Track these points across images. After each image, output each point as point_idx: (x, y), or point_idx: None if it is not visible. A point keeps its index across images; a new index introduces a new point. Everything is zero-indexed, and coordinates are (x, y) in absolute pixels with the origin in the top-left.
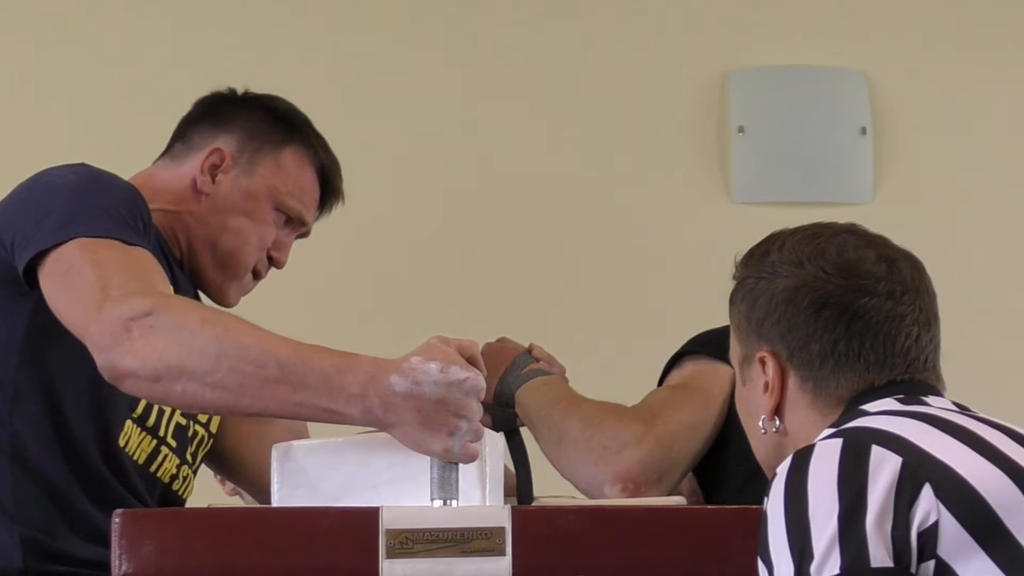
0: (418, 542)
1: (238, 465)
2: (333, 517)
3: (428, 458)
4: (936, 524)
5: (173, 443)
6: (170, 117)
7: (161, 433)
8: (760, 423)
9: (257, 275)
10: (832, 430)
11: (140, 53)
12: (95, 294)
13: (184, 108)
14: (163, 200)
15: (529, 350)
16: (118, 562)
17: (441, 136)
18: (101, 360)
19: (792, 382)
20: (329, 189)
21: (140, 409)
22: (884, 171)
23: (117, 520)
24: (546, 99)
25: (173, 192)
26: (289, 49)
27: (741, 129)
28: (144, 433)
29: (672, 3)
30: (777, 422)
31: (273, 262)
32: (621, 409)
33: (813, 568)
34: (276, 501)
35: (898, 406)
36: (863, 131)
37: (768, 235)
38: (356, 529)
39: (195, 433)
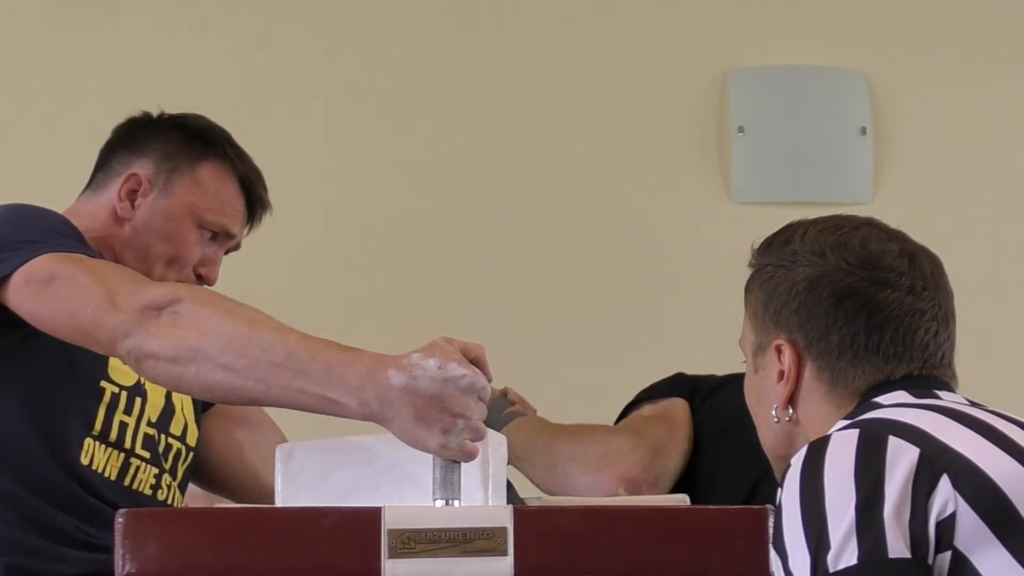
0: (420, 542)
1: (231, 477)
2: (335, 517)
3: (430, 458)
4: (953, 515)
5: (145, 454)
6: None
7: (128, 446)
8: (773, 412)
9: None
10: (847, 421)
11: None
12: (100, 293)
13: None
14: (88, 228)
15: (504, 393)
16: (121, 562)
17: (440, 136)
18: (127, 344)
19: (808, 372)
20: (253, 199)
21: (98, 426)
22: (884, 171)
23: (120, 520)
24: (546, 99)
25: (97, 221)
26: (287, 46)
27: (741, 129)
28: (110, 449)
29: (672, 3)
30: (790, 411)
31: (203, 279)
32: (605, 426)
33: (830, 558)
34: (279, 501)
35: (911, 399)
36: (863, 131)
37: (786, 224)
38: (358, 529)
39: (169, 446)
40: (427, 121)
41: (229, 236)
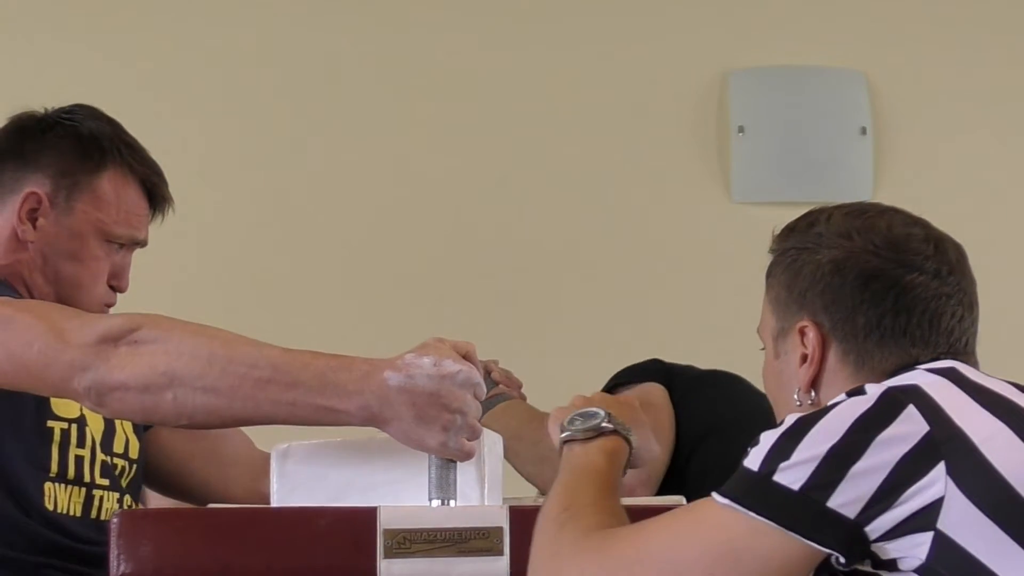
0: (416, 542)
1: (184, 487)
2: (331, 517)
3: (426, 458)
4: (940, 501)
5: (104, 482)
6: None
7: (87, 479)
8: (795, 395)
9: (109, 304)
10: (886, 382)
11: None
12: (45, 330)
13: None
14: None
15: (488, 372)
16: (116, 562)
17: (438, 136)
18: (86, 380)
19: (833, 354)
20: (156, 199)
21: (55, 467)
22: (884, 171)
23: (115, 520)
24: (546, 99)
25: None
26: (287, 43)
27: (741, 129)
28: (71, 487)
29: (672, 3)
30: (812, 394)
31: (115, 289)
32: None
33: (781, 466)
34: (275, 501)
35: (956, 364)
36: (863, 131)
37: (809, 210)
38: (354, 529)
39: (115, 465)
40: (425, 121)
41: (135, 243)
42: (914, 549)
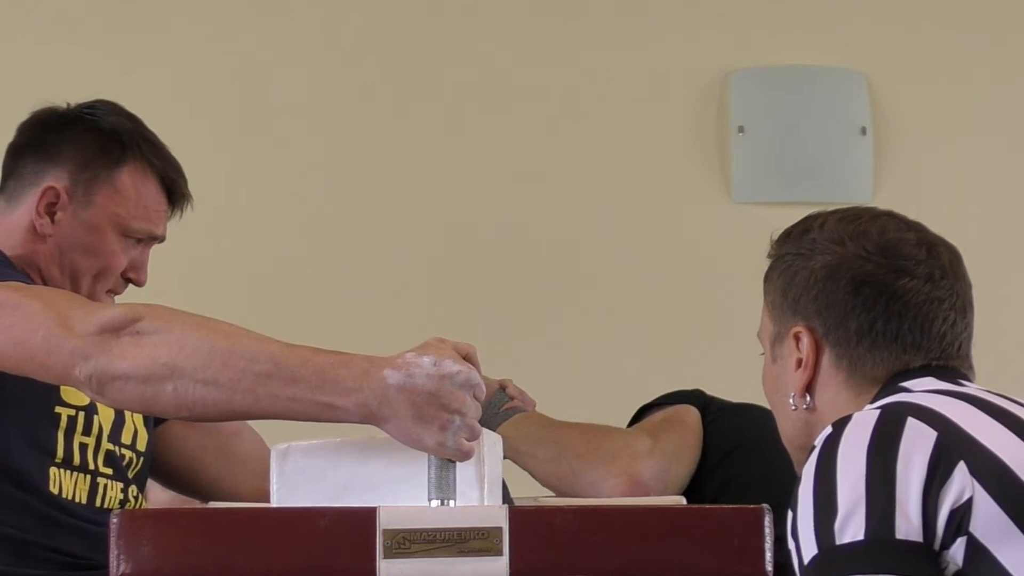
0: (415, 542)
1: (194, 483)
2: (331, 517)
3: (426, 458)
4: (970, 501)
5: (108, 471)
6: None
7: (91, 467)
8: (790, 400)
9: (116, 294)
10: (872, 405)
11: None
12: (50, 318)
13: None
14: (9, 246)
15: (503, 387)
16: (116, 562)
17: (438, 136)
18: (87, 369)
19: (826, 359)
20: (175, 196)
21: (60, 453)
22: (884, 171)
23: (115, 520)
24: (546, 99)
25: (16, 239)
26: (291, 44)
27: (741, 129)
28: (76, 474)
29: (672, 3)
30: (807, 399)
31: (133, 282)
32: (618, 427)
33: (836, 527)
34: (275, 501)
35: (939, 384)
36: (863, 131)
37: (806, 215)
38: (354, 529)
39: (122, 456)
40: (426, 121)
41: (153, 238)
42: (954, 557)
